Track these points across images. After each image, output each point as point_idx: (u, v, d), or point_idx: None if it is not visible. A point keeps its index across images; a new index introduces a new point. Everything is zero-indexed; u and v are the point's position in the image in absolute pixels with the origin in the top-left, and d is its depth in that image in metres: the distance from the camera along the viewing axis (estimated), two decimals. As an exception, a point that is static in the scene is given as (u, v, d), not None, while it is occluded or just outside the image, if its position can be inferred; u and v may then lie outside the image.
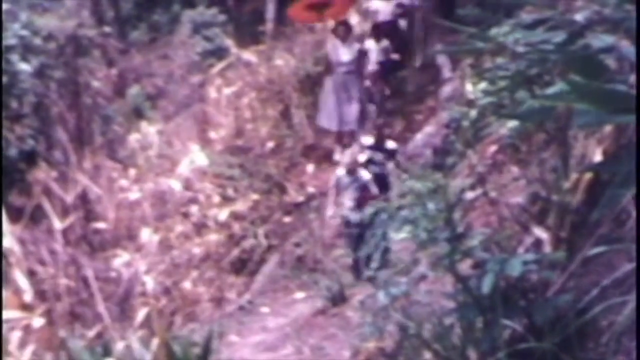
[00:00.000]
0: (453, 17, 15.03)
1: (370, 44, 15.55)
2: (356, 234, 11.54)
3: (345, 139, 14.89)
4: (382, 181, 12.10)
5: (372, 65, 15.33)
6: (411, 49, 16.73)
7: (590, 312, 4.04)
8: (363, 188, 11.86)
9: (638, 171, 2.74)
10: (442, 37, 15.80)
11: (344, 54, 14.84)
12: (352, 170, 11.91)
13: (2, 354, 7.30)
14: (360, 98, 14.88)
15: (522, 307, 4.44)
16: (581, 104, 2.87)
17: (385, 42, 15.63)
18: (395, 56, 15.81)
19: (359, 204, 11.69)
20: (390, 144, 12.86)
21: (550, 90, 3.37)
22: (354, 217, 11.65)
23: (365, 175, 11.94)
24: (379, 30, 15.88)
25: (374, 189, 11.88)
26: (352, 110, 14.68)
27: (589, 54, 3.27)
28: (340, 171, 12.17)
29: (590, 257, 4.40)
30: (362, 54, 15.20)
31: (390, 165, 12.51)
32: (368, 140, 13.06)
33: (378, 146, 12.75)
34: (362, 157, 12.52)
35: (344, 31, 14.98)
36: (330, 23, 15.58)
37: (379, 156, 12.57)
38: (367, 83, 15.36)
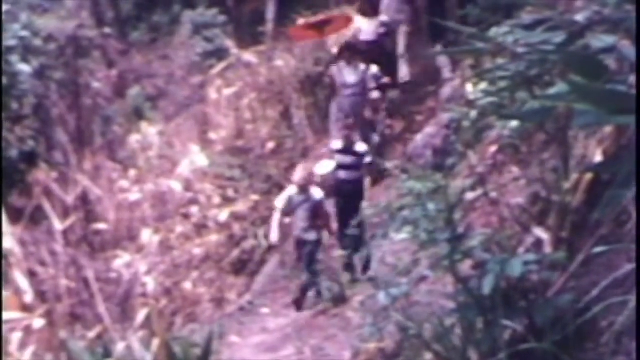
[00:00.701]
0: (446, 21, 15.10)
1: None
2: (310, 257, 11.37)
3: None
4: (355, 187, 11.90)
5: (374, 89, 14.66)
6: (394, 68, 16.43)
7: (590, 312, 4.04)
8: (316, 207, 11.56)
9: (638, 172, 2.74)
10: (431, 48, 15.79)
11: (350, 75, 14.29)
12: (304, 188, 11.57)
13: (1, 355, 7.29)
14: (366, 121, 14.28)
15: (522, 308, 4.44)
16: (581, 104, 2.86)
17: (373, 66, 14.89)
18: (386, 79, 15.14)
19: (312, 224, 11.52)
20: (360, 147, 12.34)
21: (551, 91, 3.36)
22: (308, 237, 11.49)
23: (317, 193, 11.62)
24: (359, 50, 15.13)
25: (328, 208, 11.70)
26: (359, 133, 13.86)
27: (589, 55, 3.27)
28: (292, 189, 11.78)
29: (591, 258, 4.40)
30: (368, 76, 14.58)
31: (363, 171, 12.14)
32: (337, 144, 12.53)
33: (347, 150, 12.23)
34: (330, 165, 12.19)
35: (349, 53, 14.50)
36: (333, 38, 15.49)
37: (349, 160, 12.12)
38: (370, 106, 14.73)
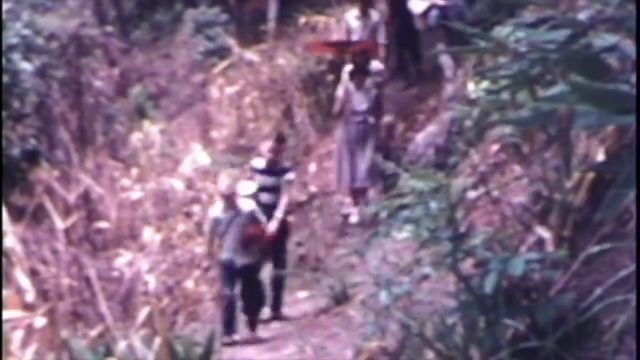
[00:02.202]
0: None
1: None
2: (239, 285, 10.28)
3: (358, 196, 13.18)
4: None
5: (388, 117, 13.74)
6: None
7: (592, 311, 4.04)
8: (248, 222, 10.27)
9: (638, 171, 2.74)
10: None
11: (360, 102, 13.09)
12: (230, 201, 10.23)
13: (1, 354, 7.30)
14: (374, 151, 12.86)
15: (524, 307, 4.44)
16: (582, 105, 2.86)
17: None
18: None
19: (244, 244, 10.24)
20: (286, 164, 11.42)
21: (552, 91, 3.36)
22: (239, 261, 10.24)
23: (247, 205, 10.37)
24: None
25: (261, 218, 10.36)
26: (366, 164, 12.80)
27: (591, 54, 3.27)
28: (216, 209, 10.58)
29: (593, 256, 4.40)
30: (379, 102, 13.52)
31: (286, 194, 11.03)
32: (259, 162, 11.34)
33: (270, 170, 11.05)
34: (251, 187, 10.89)
35: (360, 77, 13.29)
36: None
37: (271, 181, 10.98)
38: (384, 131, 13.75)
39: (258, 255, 10.47)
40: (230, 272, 10.24)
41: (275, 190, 10.89)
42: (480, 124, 7.02)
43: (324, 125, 16.01)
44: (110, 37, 19.06)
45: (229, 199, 10.15)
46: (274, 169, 11.00)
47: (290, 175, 11.19)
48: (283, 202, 10.94)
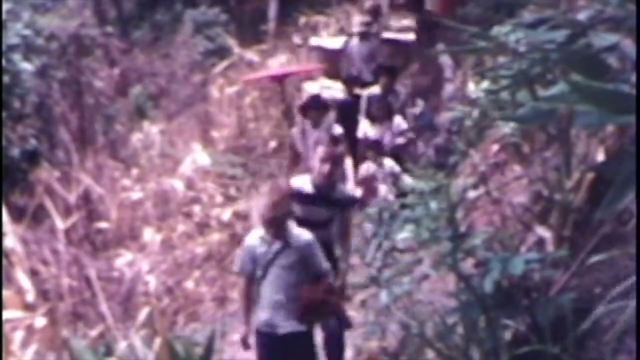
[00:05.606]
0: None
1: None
2: None
3: None
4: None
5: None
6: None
7: (592, 311, 4.04)
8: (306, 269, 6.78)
9: (638, 171, 2.74)
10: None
11: (317, 143, 9.91)
12: (276, 230, 6.67)
13: (1, 354, 7.30)
14: None
15: (524, 306, 4.44)
16: (582, 105, 2.87)
17: None
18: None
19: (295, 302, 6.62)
20: (344, 187, 8.45)
21: (552, 91, 3.36)
22: (283, 326, 6.63)
23: (302, 235, 6.85)
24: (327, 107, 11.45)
25: (322, 264, 6.87)
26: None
27: (591, 53, 3.27)
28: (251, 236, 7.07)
29: (593, 256, 4.40)
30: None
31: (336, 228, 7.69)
32: (303, 183, 7.71)
33: (321, 195, 7.60)
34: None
35: (317, 113, 10.47)
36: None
37: (322, 214, 7.59)
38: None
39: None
40: (270, 344, 6.68)
41: (325, 226, 7.50)
42: (480, 123, 7.03)
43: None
44: (110, 37, 19.05)
45: (271, 224, 6.58)
46: (328, 193, 7.47)
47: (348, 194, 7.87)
48: (347, 245, 7.63)
